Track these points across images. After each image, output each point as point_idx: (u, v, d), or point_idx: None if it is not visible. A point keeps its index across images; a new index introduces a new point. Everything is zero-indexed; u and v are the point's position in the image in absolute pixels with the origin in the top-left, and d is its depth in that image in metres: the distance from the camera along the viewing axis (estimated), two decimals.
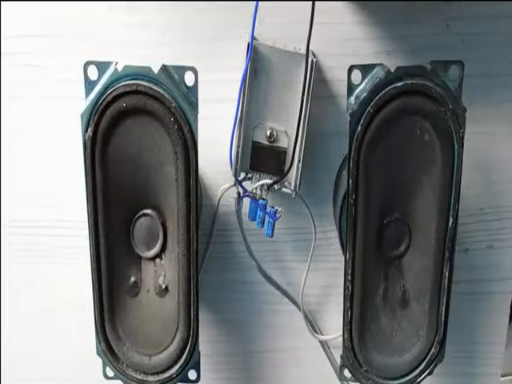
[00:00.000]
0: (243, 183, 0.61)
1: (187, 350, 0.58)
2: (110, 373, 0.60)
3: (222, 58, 0.63)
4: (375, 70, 0.54)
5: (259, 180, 0.61)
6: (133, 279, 0.59)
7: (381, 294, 0.59)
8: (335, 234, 0.67)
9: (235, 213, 0.63)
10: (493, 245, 0.69)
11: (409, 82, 0.54)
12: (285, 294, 0.69)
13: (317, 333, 0.70)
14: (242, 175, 0.61)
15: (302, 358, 0.72)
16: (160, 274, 0.59)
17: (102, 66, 0.54)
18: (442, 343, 0.59)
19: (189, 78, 0.55)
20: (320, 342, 0.71)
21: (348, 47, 0.63)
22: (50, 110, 0.65)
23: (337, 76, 0.64)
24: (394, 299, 0.60)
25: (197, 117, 0.55)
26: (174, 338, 0.58)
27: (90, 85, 0.55)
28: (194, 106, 0.55)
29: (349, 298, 0.57)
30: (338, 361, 0.60)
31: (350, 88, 0.55)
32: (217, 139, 0.62)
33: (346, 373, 0.60)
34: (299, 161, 0.60)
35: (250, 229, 0.64)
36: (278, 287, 0.69)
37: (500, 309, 0.71)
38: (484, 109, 0.65)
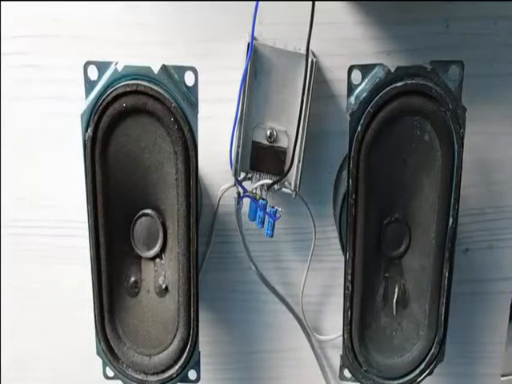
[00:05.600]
0: (243, 183, 0.61)
1: (187, 350, 0.58)
2: (110, 373, 0.60)
3: (222, 57, 0.63)
4: (375, 69, 0.54)
5: (259, 180, 0.61)
6: (133, 279, 0.59)
7: (381, 293, 0.59)
8: (335, 234, 0.67)
9: (235, 213, 0.63)
10: (493, 245, 0.69)
11: (409, 82, 0.54)
12: (281, 299, 0.69)
13: (317, 333, 0.70)
14: (242, 175, 0.61)
15: (302, 358, 0.72)
16: (160, 273, 0.59)
17: (102, 66, 0.54)
18: (442, 343, 0.59)
19: (189, 78, 0.55)
20: (318, 343, 0.71)
21: (348, 47, 0.63)
22: (50, 109, 0.65)
23: (337, 76, 0.64)
24: (394, 299, 0.60)
25: (197, 117, 0.55)
26: (174, 337, 0.58)
27: (89, 85, 0.55)
28: (194, 105, 0.55)
29: (349, 298, 0.57)
30: (337, 361, 0.60)
31: (350, 88, 0.55)
32: (217, 139, 0.62)
33: (346, 373, 0.60)
34: (299, 161, 0.60)
35: (250, 229, 0.64)
36: (274, 291, 0.69)
37: (500, 309, 0.71)
38: (484, 109, 0.65)
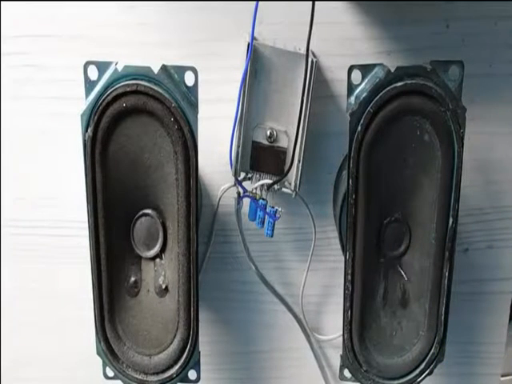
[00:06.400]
0: (243, 183, 0.61)
1: (187, 350, 0.58)
2: (110, 373, 0.60)
3: (222, 57, 0.63)
4: (375, 69, 0.54)
5: (259, 180, 0.61)
6: (133, 279, 0.59)
7: (381, 293, 0.59)
8: (335, 234, 0.67)
9: (235, 213, 0.63)
10: (493, 245, 0.69)
11: (409, 82, 0.54)
12: (281, 299, 0.69)
13: (316, 333, 0.70)
14: (242, 175, 0.61)
15: (302, 358, 0.72)
16: (160, 273, 0.59)
17: (102, 66, 0.54)
18: (442, 343, 0.59)
19: (189, 78, 0.55)
20: (318, 343, 0.71)
21: (348, 47, 0.63)
22: (50, 110, 0.65)
23: (337, 76, 0.64)
24: (394, 299, 0.60)
25: (197, 117, 0.55)
26: (174, 337, 0.58)
27: (90, 85, 0.55)
28: (194, 105, 0.55)
29: (349, 298, 0.57)
30: (337, 361, 0.60)
31: (350, 88, 0.55)
32: (217, 139, 0.62)
33: (346, 373, 0.60)
34: (299, 161, 0.60)
35: (250, 229, 0.64)
36: (274, 291, 0.69)
37: (500, 309, 0.71)
38: (484, 109, 0.65)
